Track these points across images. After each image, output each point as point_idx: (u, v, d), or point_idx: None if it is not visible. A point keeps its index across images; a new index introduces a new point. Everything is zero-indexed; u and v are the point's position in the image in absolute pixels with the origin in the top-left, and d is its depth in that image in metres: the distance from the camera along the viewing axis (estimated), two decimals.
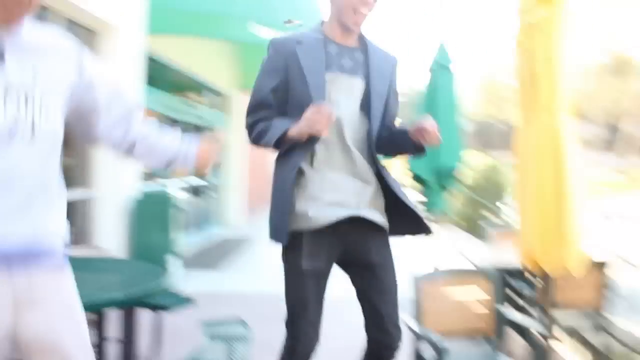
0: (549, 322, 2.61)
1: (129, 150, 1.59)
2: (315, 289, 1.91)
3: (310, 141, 1.89)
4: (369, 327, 2.00)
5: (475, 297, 2.69)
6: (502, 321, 2.66)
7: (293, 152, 1.92)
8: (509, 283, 3.45)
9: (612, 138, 36.79)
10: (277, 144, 1.92)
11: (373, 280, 1.97)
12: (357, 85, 2.00)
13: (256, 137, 2.00)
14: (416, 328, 2.38)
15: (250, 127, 2.03)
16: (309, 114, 1.81)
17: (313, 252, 1.89)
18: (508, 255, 3.41)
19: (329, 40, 2.03)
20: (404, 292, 2.22)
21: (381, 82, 2.04)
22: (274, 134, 1.91)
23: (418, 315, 2.54)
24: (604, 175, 24.00)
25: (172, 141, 1.63)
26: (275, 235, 1.93)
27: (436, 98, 5.41)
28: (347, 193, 1.93)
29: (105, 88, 1.53)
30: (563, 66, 2.41)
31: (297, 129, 1.85)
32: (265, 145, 1.96)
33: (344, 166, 1.95)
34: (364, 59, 2.05)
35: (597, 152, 37.29)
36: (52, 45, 1.40)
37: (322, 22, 2.10)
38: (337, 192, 1.92)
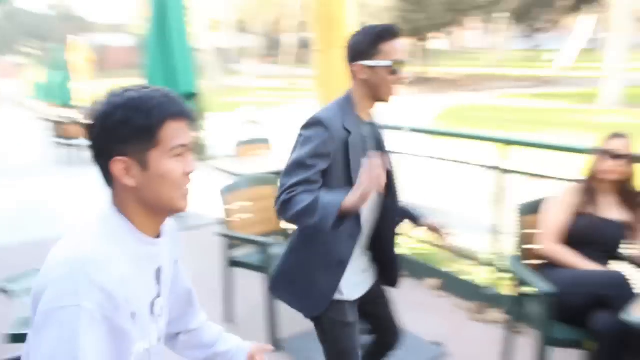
0: None
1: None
2: (357, 338, 2.07)
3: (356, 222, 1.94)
4: (383, 335, 2.28)
5: None
6: None
7: (341, 235, 1.94)
8: None
9: (272, 48, 40.40)
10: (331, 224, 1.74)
11: (380, 300, 2.25)
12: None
13: (298, 213, 1.79)
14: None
15: (290, 200, 1.82)
16: (366, 174, 1.68)
17: (353, 306, 2.07)
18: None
19: (360, 120, 1.99)
20: None
21: (387, 154, 2.09)
22: (329, 212, 1.72)
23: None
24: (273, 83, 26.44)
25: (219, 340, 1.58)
26: (311, 309, 2.04)
27: (165, 26, 5.37)
28: (366, 263, 2.16)
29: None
30: None
31: (358, 192, 1.69)
32: (313, 225, 1.77)
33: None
34: (374, 133, 2.07)
35: (259, 61, 40.26)
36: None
37: (351, 98, 1.99)
38: (364, 267, 2.14)
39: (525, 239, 2.91)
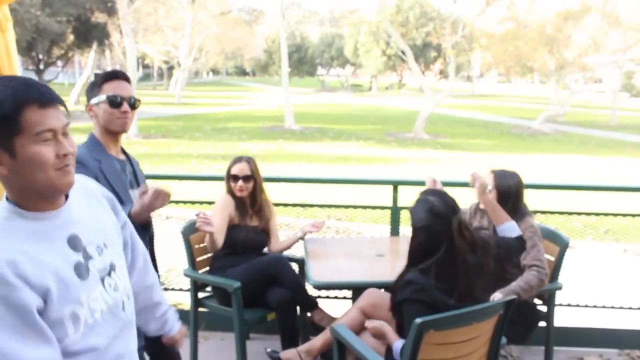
0: None
1: None
2: None
3: None
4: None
5: None
6: None
7: None
8: None
9: None
10: None
11: None
12: (135, 197, 2.12)
13: None
14: None
15: None
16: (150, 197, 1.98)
17: None
18: None
19: (111, 156, 2.24)
20: None
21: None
22: None
23: None
24: None
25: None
26: None
27: None
28: None
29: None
30: None
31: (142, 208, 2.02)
32: None
33: None
34: (132, 169, 2.34)
35: None
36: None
37: (94, 137, 2.24)
38: None
39: (194, 253, 3.52)
